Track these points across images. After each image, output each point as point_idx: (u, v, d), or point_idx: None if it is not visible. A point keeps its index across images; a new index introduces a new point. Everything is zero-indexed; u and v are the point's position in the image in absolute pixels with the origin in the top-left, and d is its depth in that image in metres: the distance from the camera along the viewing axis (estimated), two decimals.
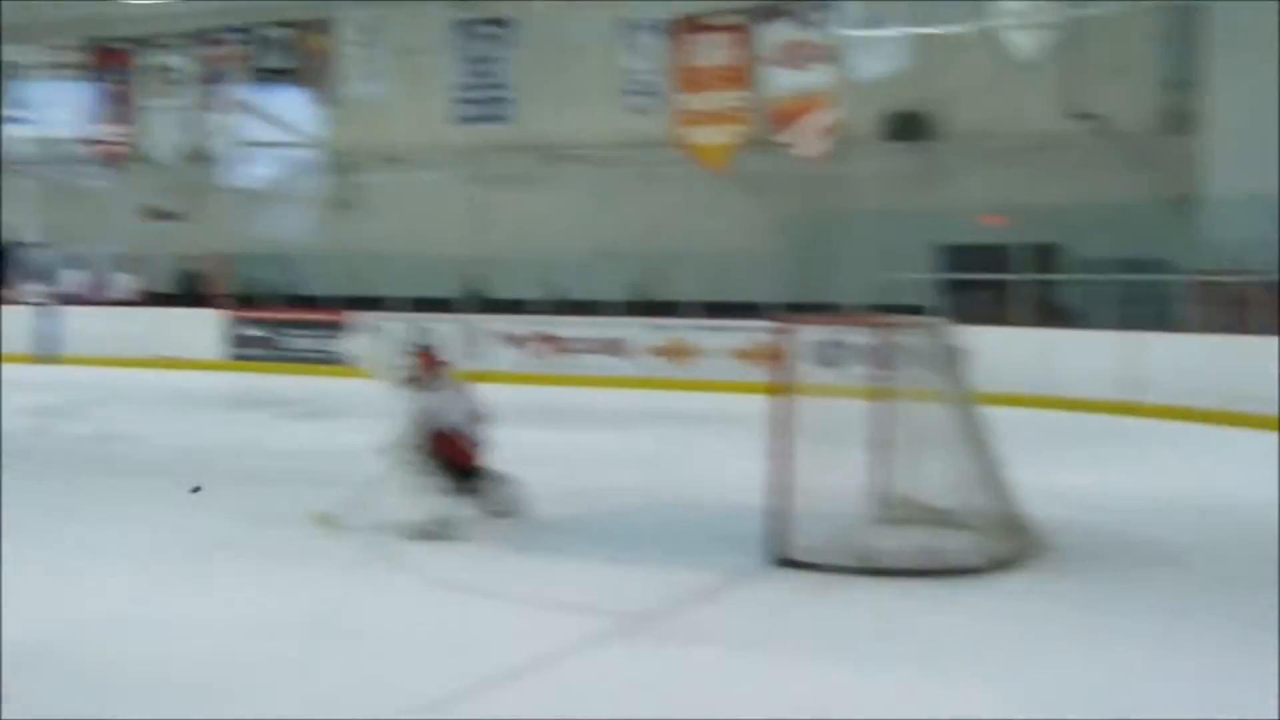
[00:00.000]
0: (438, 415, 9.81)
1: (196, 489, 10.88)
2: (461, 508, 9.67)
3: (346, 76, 24.20)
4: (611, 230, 25.96)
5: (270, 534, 9.55)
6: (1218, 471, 13.49)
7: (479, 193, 27.47)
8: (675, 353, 21.90)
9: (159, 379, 22.53)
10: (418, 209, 27.37)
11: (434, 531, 9.37)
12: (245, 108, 25.63)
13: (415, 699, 5.84)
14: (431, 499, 9.55)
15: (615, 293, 23.30)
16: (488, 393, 10.32)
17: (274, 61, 25.23)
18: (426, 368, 10.12)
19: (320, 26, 24.70)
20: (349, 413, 17.90)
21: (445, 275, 24.97)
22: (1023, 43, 18.98)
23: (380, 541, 9.13)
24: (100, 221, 28.93)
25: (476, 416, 10.02)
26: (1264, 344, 16.82)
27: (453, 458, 9.78)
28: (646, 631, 7.08)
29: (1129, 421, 17.37)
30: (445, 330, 22.97)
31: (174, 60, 26.07)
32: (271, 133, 27.34)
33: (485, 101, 23.42)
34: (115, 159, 26.93)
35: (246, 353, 24.84)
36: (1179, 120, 22.51)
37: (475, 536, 9.36)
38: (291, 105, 26.51)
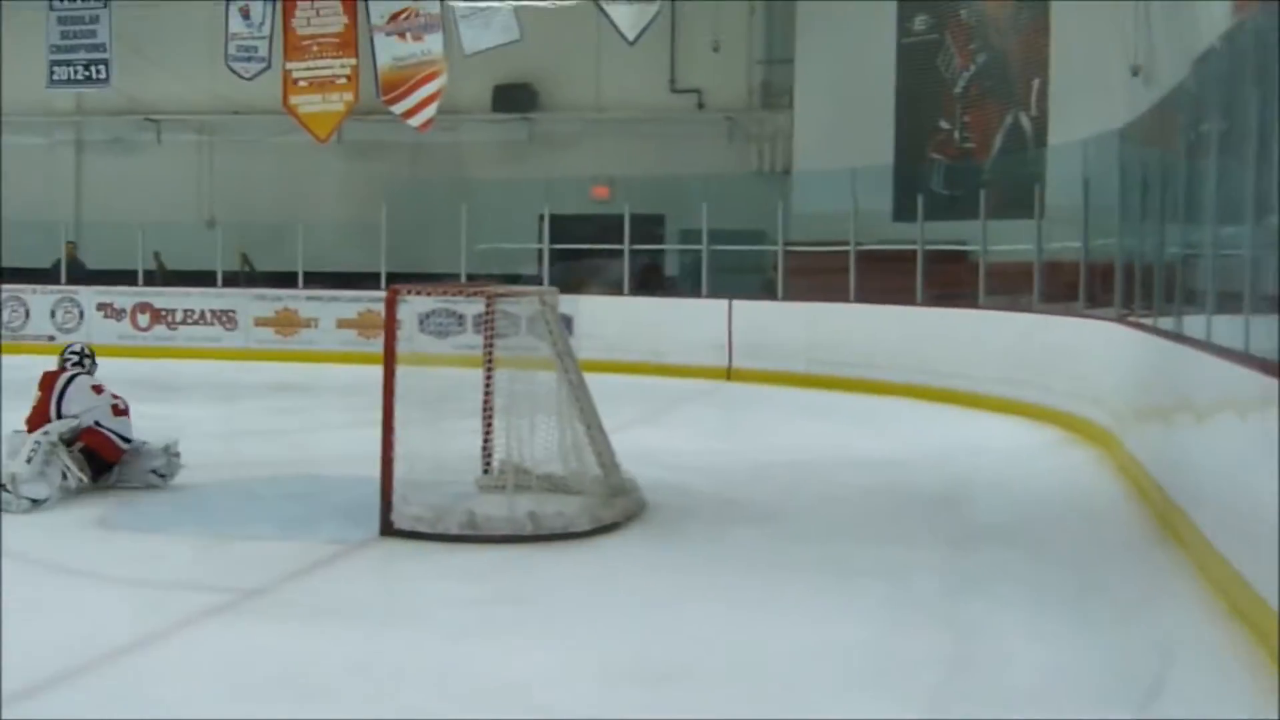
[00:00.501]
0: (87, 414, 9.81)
1: None
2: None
3: None
4: (217, 198, 25.41)
5: None
6: (809, 431, 14.20)
7: (77, 157, 26.44)
8: (285, 324, 21.60)
9: None
10: (12, 173, 26.10)
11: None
12: None
13: (15, 684, 5.65)
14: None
15: (222, 263, 22.77)
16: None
17: None
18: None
19: None
20: None
21: (42, 244, 23.90)
22: (624, 17, 19.39)
23: None
24: None
25: (121, 410, 10.02)
26: (850, 310, 17.83)
27: (100, 453, 9.80)
28: (252, 607, 7.02)
29: (728, 386, 18.11)
30: (40, 301, 22.23)
31: None
32: None
33: (82, 64, 22.47)
34: None
35: None
36: (772, 96, 23.51)
37: (69, 517, 9.09)
38: None
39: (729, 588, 7.59)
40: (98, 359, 10.58)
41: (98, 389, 10.04)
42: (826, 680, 5.97)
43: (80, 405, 9.88)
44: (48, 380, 10.08)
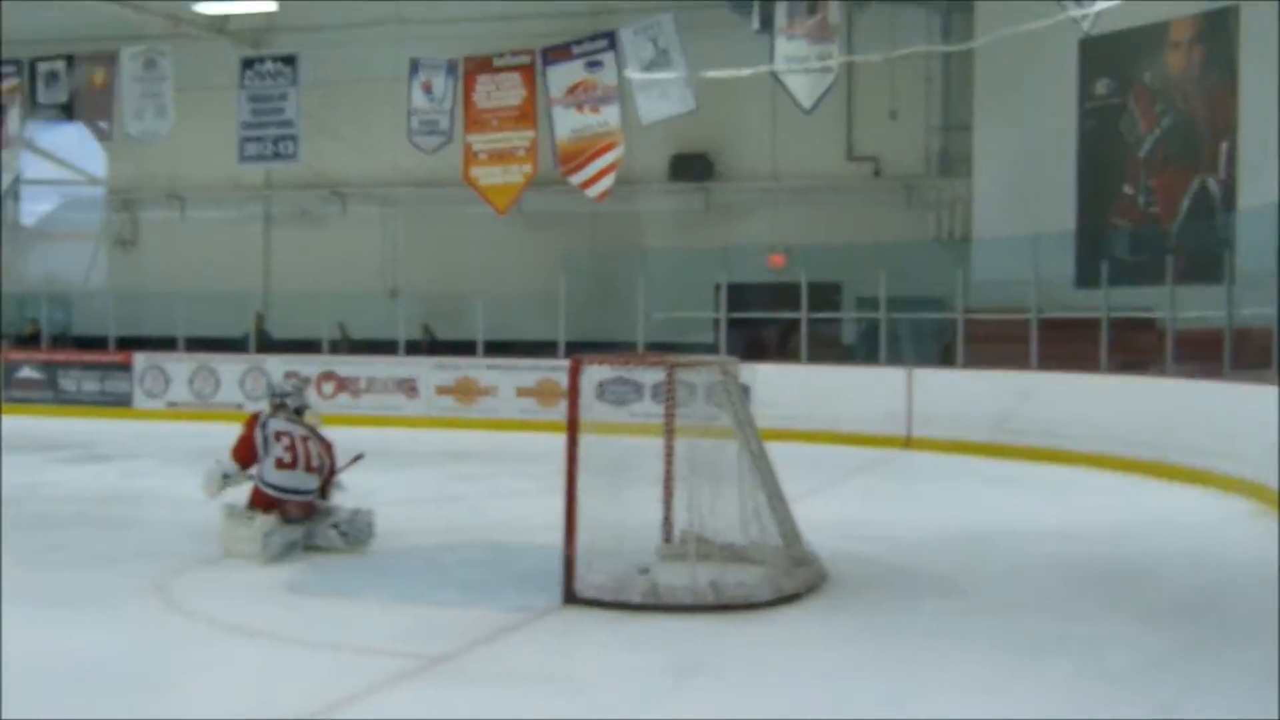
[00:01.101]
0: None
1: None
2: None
3: (128, 112, 23.72)
4: (400, 268, 25.93)
5: (42, 576, 9.37)
6: (993, 502, 13.97)
7: (265, 230, 27.21)
8: (465, 392, 21.90)
9: None
10: (202, 247, 26.98)
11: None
12: (21, 143, 24.94)
13: None
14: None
15: (404, 332, 23.18)
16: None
17: (50, 95, 24.62)
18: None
19: (101, 60, 24.20)
20: (132, 455, 17.63)
21: (231, 314, 24.61)
22: (801, 86, 19.44)
23: (158, 581, 9.03)
24: None
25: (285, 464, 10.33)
26: (1033, 378, 17.55)
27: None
28: (438, 672, 7.08)
29: (908, 454, 17.90)
30: (230, 370, 22.82)
31: None
32: (47, 169, 26.71)
33: (271, 139, 23.16)
34: None
35: (23, 395, 24.10)
36: (951, 163, 23.35)
37: (259, 579, 9.29)
38: (70, 141, 25.96)
39: (912, 660, 7.46)
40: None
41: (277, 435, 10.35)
42: None
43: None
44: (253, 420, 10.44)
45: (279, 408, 10.57)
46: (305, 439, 10.37)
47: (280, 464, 10.19)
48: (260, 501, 10.13)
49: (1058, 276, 19.52)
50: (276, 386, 10.82)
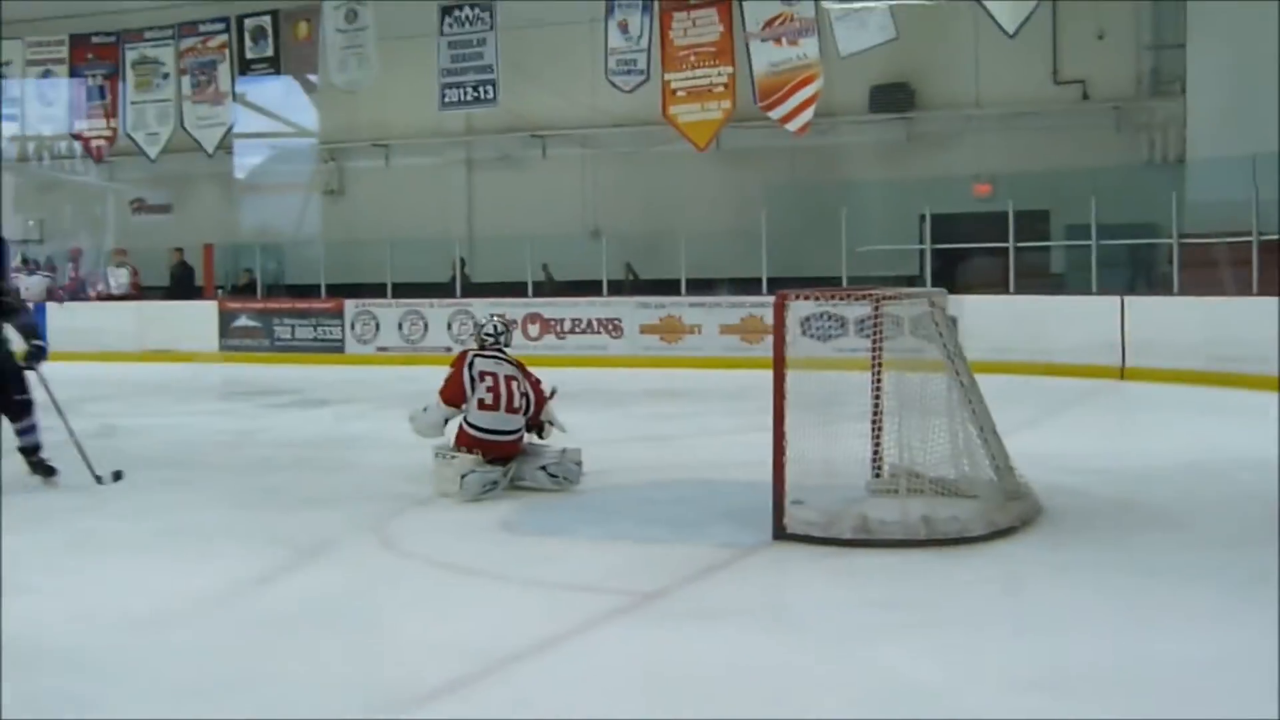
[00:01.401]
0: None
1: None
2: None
3: (331, 64, 24.17)
4: (601, 209, 26.06)
5: (263, 518, 9.64)
6: (1211, 432, 13.57)
7: (467, 176, 27.55)
8: (669, 331, 21.95)
9: (153, 371, 22.56)
10: (407, 194, 27.45)
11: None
12: (231, 98, 25.59)
13: (422, 686, 5.85)
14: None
15: (607, 272, 23.30)
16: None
17: (257, 51, 25.21)
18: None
19: (303, 14, 24.68)
20: (344, 400, 18.05)
21: (438, 259, 25.02)
22: (1004, 10, 18.98)
23: (374, 522, 9.23)
24: (89, 215, 29.01)
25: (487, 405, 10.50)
26: (1253, 304, 16.94)
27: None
28: (650, 609, 7.11)
29: (1122, 385, 17.47)
30: (438, 314, 23.20)
31: (156, 52, 26.02)
32: (258, 122, 27.36)
33: (470, 85, 23.39)
34: (100, 153, 26.91)
35: (240, 343, 24.85)
36: (1162, 83, 22.60)
37: (473, 518, 9.43)
38: (277, 94, 26.55)
39: (1133, 595, 7.26)
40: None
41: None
42: (1235, 692, 5.64)
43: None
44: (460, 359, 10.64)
45: (486, 347, 10.69)
46: (510, 379, 10.46)
47: (482, 405, 10.31)
48: (464, 441, 10.28)
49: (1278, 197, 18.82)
50: (483, 325, 10.92)
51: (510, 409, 10.39)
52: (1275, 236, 17.73)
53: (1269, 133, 19.51)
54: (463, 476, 10.00)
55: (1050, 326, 18.58)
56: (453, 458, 10.19)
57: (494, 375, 10.42)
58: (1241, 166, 18.33)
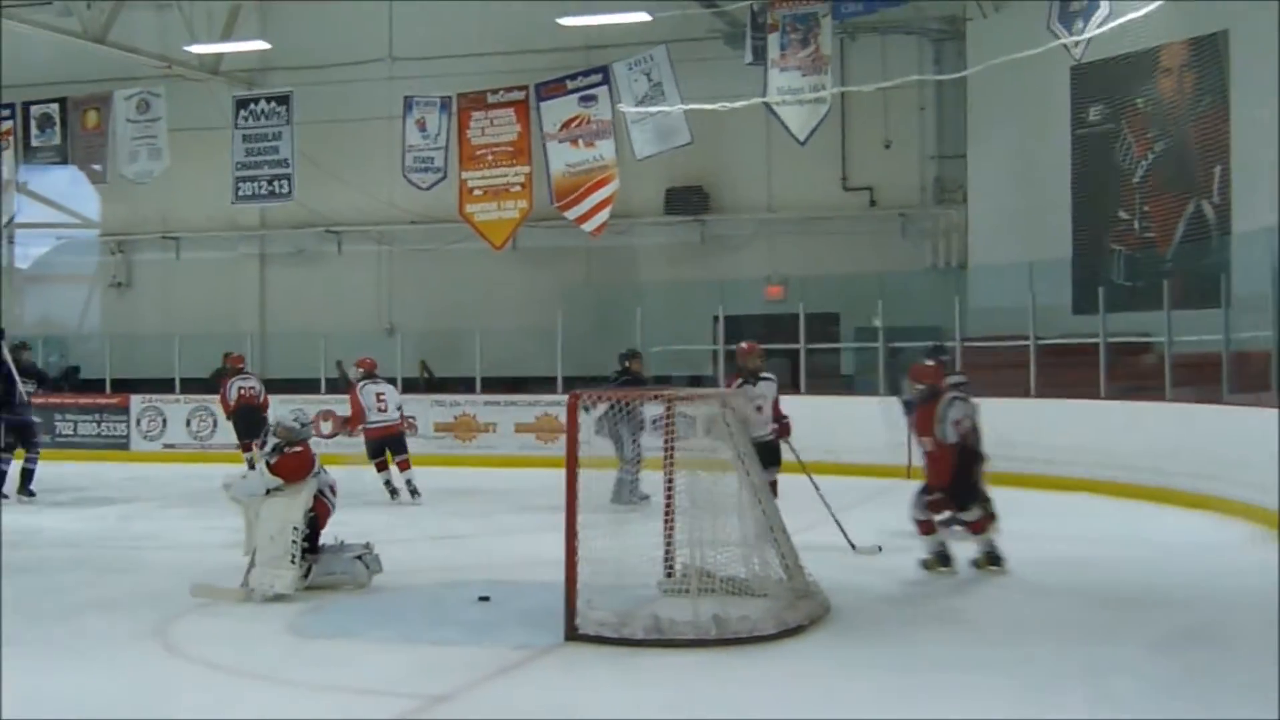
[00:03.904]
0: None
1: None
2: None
3: (122, 154, 23.74)
4: (396, 306, 25.93)
5: (42, 623, 9.31)
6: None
7: (261, 270, 27.21)
8: (463, 429, 21.85)
9: None
10: (197, 287, 26.96)
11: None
12: (15, 186, 24.96)
13: None
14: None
15: (401, 369, 23.10)
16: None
17: (44, 139, 24.65)
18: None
19: (92, 103, 24.23)
20: (128, 498, 17.59)
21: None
22: (795, 118, 19.47)
23: (158, 626, 8.98)
24: None
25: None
26: (1031, 405, 17.51)
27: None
28: (440, 712, 7.03)
29: (908, 484, 17.80)
30: None
31: None
32: (41, 212, 26.74)
33: (266, 179, 23.17)
34: None
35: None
36: (945, 191, 23.37)
37: (259, 623, 9.23)
38: (64, 183, 25.99)
39: (920, 691, 7.41)
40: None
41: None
42: None
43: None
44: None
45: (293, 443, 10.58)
46: None
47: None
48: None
49: (1055, 303, 19.53)
50: (281, 421, 10.77)
51: None
52: (1053, 341, 18.36)
53: (1045, 240, 20.32)
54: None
55: (840, 427, 18.90)
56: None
57: None
58: (1020, 272, 18.98)
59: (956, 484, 11.06)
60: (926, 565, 11.05)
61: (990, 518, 11.17)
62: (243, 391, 18.95)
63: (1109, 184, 20.42)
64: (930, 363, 12.43)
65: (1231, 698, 7.12)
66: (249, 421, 18.58)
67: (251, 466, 15.14)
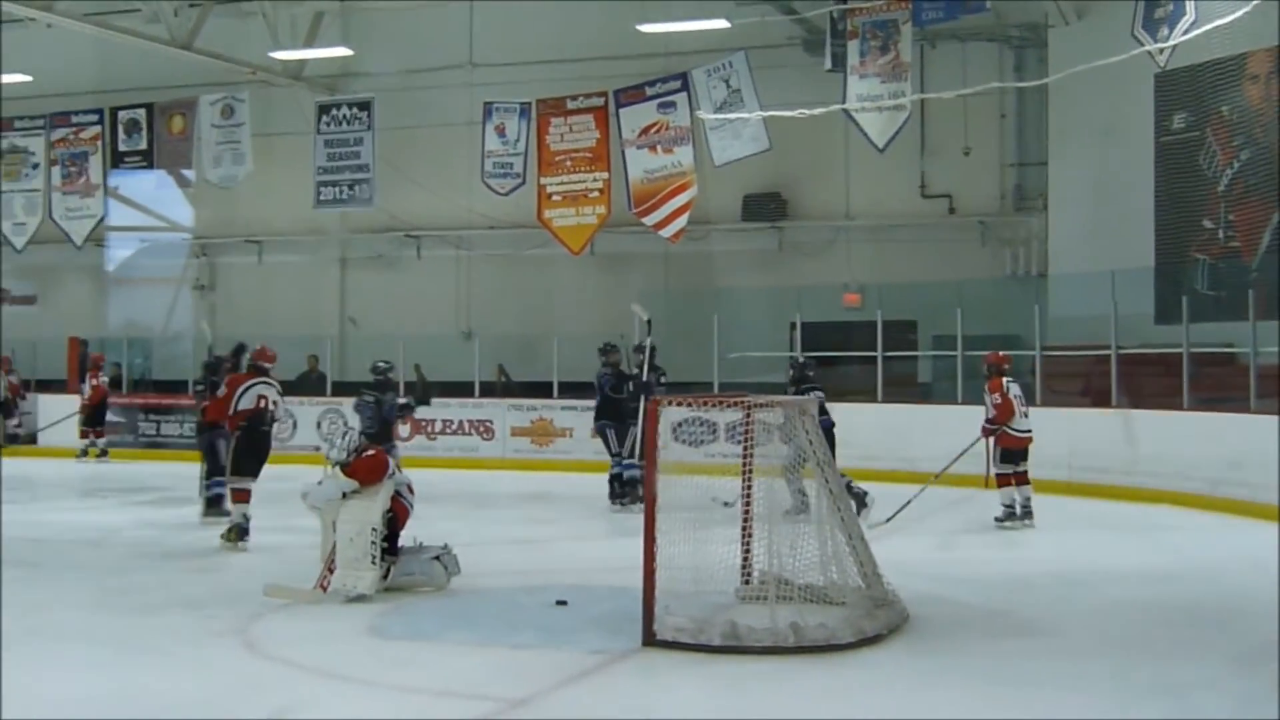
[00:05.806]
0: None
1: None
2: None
3: (205, 159, 24.05)
4: (474, 311, 26.05)
5: (124, 620, 9.44)
6: (1074, 541, 13.81)
7: (341, 274, 27.43)
8: (540, 434, 21.93)
9: (12, 466, 22.01)
10: (279, 291, 27.22)
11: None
12: (102, 190, 25.33)
13: None
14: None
15: (479, 373, 23.23)
16: None
17: (131, 144, 25.03)
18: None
19: (178, 108, 24.58)
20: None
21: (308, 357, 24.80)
22: (874, 125, 19.44)
23: (238, 625, 9.08)
24: None
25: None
26: (1114, 416, 17.34)
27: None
28: (518, 716, 7.07)
29: (988, 494, 17.70)
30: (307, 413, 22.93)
31: (26, 142, 25.76)
32: (129, 215, 27.09)
33: (346, 184, 23.40)
34: None
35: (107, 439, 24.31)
36: (1025, 199, 23.20)
37: (340, 622, 9.31)
38: (149, 187, 26.32)
39: (1000, 703, 7.37)
40: None
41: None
42: None
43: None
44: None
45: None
46: None
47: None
48: None
49: (1137, 312, 19.29)
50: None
51: None
52: (1134, 350, 18.18)
53: (1127, 248, 20.10)
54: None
55: (917, 435, 18.81)
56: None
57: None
58: (1101, 281, 18.81)
59: None
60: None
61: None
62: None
63: (1192, 192, 20.16)
64: None
65: None
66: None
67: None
